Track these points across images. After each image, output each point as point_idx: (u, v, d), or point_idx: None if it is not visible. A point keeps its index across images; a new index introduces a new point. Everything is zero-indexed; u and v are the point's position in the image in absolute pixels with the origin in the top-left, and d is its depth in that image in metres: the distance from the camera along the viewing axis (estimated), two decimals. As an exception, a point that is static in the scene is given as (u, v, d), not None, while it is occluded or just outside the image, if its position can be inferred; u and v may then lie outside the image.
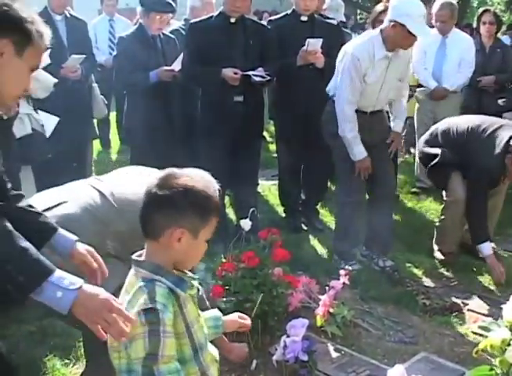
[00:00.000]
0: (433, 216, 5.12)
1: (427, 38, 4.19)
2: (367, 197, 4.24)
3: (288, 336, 2.83)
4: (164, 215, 1.63)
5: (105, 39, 7.28)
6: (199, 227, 1.66)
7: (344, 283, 3.26)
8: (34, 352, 3.04)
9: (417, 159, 5.70)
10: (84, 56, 4.78)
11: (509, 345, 2.21)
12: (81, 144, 5.10)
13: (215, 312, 2.04)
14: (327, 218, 5.10)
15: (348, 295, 3.61)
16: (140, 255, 1.72)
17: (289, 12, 4.73)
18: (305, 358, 2.79)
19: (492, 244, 4.05)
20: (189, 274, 1.73)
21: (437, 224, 4.34)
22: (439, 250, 4.25)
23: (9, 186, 1.93)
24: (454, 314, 3.52)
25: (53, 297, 1.56)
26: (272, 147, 6.83)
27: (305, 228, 4.89)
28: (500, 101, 5.70)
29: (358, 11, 18.57)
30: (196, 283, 1.75)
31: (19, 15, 1.71)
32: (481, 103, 5.71)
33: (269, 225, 3.82)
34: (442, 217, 4.24)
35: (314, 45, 4.39)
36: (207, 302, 2.55)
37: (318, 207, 5.14)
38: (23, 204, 1.97)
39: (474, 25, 6.46)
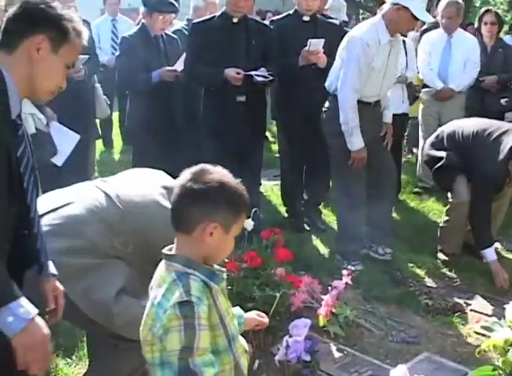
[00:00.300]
0: (436, 216, 5.11)
1: (428, 20, 4.27)
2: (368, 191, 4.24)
3: (290, 336, 2.83)
4: (199, 208, 1.64)
5: (108, 39, 7.27)
6: (231, 223, 1.68)
7: (346, 283, 3.26)
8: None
9: (419, 159, 5.72)
10: (87, 56, 4.78)
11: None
12: (83, 144, 5.10)
13: (238, 309, 2.06)
14: (330, 218, 5.10)
15: (351, 295, 3.61)
16: (170, 249, 1.72)
17: (291, 12, 4.73)
18: (308, 358, 2.79)
19: (496, 244, 4.05)
20: (217, 267, 1.74)
21: (441, 225, 4.34)
22: (442, 250, 4.25)
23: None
24: (457, 314, 3.52)
25: (4, 320, 1.63)
26: (275, 147, 6.83)
27: (308, 228, 4.88)
28: (503, 100, 5.70)
29: (361, 11, 18.56)
30: (224, 275, 1.76)
31: (57, 12, 1.77)
32: (484, 102, 5.70)
33: (272, 226, 3.83)
34: (447, 218, 4.23)
35: (316, 45, 4.39)
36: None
37: (320, 207, 5.14)
38: None
39: (476, 25, 6.42)
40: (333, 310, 3.24)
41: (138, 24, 5.41)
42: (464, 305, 3.64)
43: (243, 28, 4.27)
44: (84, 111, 4.89)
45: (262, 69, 4.18)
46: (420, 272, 4.11)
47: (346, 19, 6.40)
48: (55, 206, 2.36)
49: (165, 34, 4.72)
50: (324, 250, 4.48)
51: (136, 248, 2.38)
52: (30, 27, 1.74)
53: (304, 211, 5.02)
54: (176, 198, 1.67)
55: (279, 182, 5.22)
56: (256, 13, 8.11)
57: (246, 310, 2.06)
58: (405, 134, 6.24)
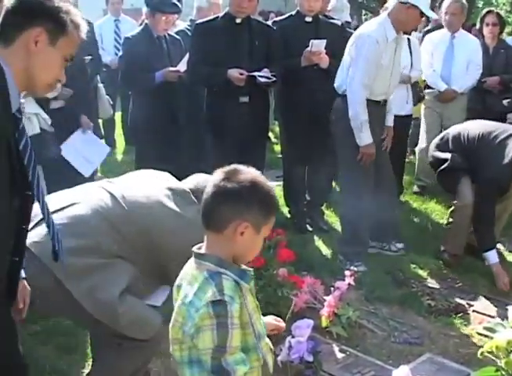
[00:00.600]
0: (438, 217, 5.11)
1: (434, 16, 4.36)
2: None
3: (293, 337, 2.84)
4: (231, 207, 1.64)
5: (110, 40, 7.27)
6: (261, 223, 1.69)
7: (349, 284, 3.26)
8: (38, 352, 3.03)
9: (417, 158, 5.73)
10: (90, 56, 4.79)
11: (514, 346, 2.21)
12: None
13: None
14: (332, 218, 5.10)
15: (353, 296, 3.61)
16: (200, 248, 1.73)
17: (293, 13, 4.74)
18: (310, 359, 2.80)
19: (498, 245, 4.04)
20: (245, 267, 1.75)
21: (444, 226, 4.32)
22: (445, 251, 4.25)
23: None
24: (459, 315, 3.52)
25: None
26: (277, 148, 6.83)
27: (310, 229, 4.88)
28: (505, 101, 5.69)
29: (363, 11, 18.56)
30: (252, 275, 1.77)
31: (54, 5, 1.76)
32: (486, 103, 5.70)
33: (274, 226, 3.81)
34: (451, 220, 4.23)
35: (318, 45, 4.39)
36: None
37: (323, 207, 5.14)
38: None
39: (477, 26, 6.41)
40: (336, 311, 3.23)
41: (141, 25, 5.41)
42: (467, 306, 3.64)
43: (247, 29, 4.27)
44: (87, 111, 4.90)
45: (265, 70, 4.18)
46: (423, 273, 4.11)
47: (349, 19, 6.39)
48: (61, 206, 2.38)
49: (168, 34, 4.72)
50: (326, 250, 4.48)
51: (140, 248, 2.39)
52: (28, 20, 1.73)
53: (306, 212, 5.02)
54: (208, 196, 1.67)
55: (281, 183, 5.21)
56: (259, 14, 8.10)
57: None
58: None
